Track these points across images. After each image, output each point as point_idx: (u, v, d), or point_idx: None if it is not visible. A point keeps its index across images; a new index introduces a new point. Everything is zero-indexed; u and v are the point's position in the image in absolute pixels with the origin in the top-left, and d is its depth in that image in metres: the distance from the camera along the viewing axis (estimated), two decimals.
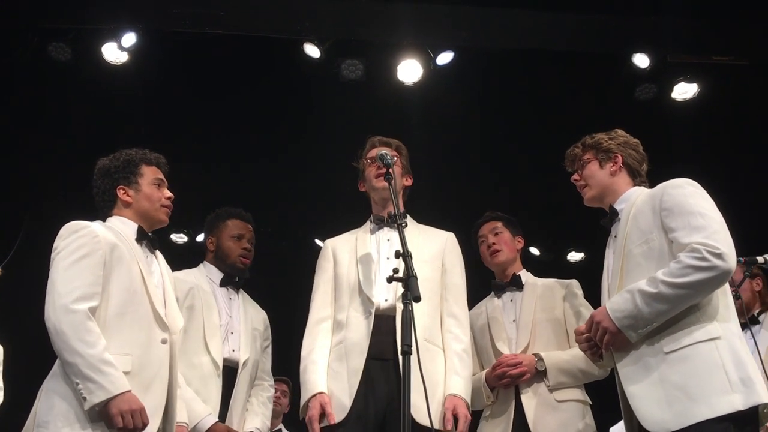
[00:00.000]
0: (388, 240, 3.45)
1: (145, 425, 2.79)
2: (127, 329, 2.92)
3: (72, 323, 2.77)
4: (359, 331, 3.23)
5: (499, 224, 3.94)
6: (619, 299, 2.80)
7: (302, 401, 3.22)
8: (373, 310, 3.25)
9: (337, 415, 3.11)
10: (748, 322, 3.99)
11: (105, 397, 2.72)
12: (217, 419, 3.55)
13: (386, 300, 3.27)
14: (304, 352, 3.32)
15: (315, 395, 3.15)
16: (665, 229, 2.80)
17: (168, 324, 3.04)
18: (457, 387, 3.20)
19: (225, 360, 3.69)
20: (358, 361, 3.18)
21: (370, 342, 3.20)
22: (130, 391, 2.77)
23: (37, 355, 3.23)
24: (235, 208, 4.07)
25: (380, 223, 3.51)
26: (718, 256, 2.63)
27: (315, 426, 3.09)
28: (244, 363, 3.75)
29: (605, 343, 2.82)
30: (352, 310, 3.30)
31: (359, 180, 3.63)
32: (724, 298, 2.77)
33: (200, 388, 3.55)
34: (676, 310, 2.69)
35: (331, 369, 3.24)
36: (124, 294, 2.94)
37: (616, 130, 3.23)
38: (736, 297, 3.82)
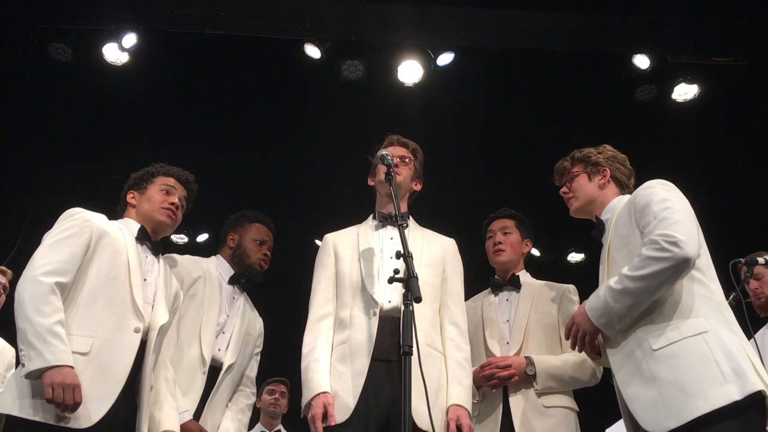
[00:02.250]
0: (392, 238, 3.43)
1: (77, 403, 2.78)
2: (98, 312, 2.97)
3: (33, 293, 2.84)
4: (364, 332, 3.21)
5: (511, 224, 3.94)
6: (593, 298, 2.85)
7: (304, 399, 3.18)
8: (377, 310, 3.23)
9: (341, 415, 3.08)
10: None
11: (41, 365, 2.75)
12: (192, 417, 3.50)
13: (390, 301, 3.25)
14: (305, 349, 3.27)
15: (318, 394, 3.11)
16: (639, 229, 2.85)
17: (145, 316, 3.09)
18: (461, 397, 3.19)
19: (211, 359, 3.64)
20: (363, 362, 3.15)
21: (375, 343, 3.18)
22: (71, 367, 2.78)
23: None
24: (261, 213, 4.09)
25: (384, 221, 3.48)
26: (674, 243, 2.66)
27: (318, 425, 3.05)
28: (229, 367, 3.71)
29: (587, 343, 2.86)
30: (356, 308, 3.27)
31: (369, 174, 3.61)
32: (702, 290, 2.76)
33: (184, 379, 3.51)
34: (645, 302, 2.72)
35: (334, 369, 3.20)
36: (102, 278, 3.01)
37: (605, 145, 3.28)
38: (735, 299, 3.82)
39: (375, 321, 3.21)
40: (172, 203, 3.33)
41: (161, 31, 5.62)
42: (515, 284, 3.83)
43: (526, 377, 3.54)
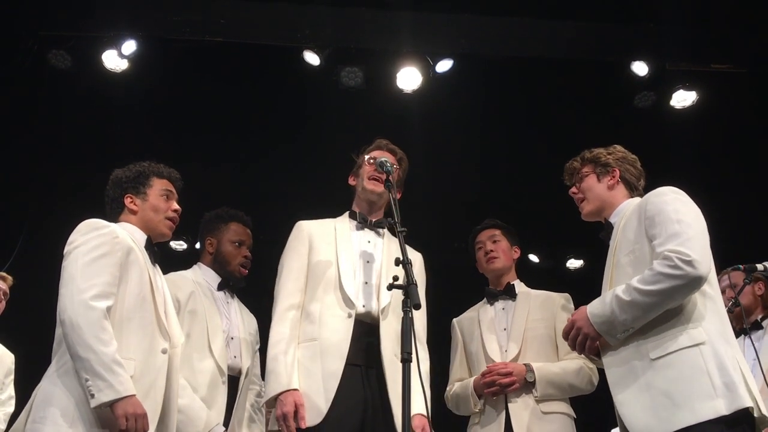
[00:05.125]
0: (369, 242, 3.43)
1: None
2: (134, 334, 2.93)
3: (89, 319, 2.78)
4: (337, 333, 3.19)
5: (498, 232, 3.96)
6: (597, 304, 2.84)
7: (271, 391, 3.12)
8: (353, 313, 3.22)
9: (312, 418, 3.06)
10: (747, 328, 3.99)
11: (113, 397, 2.73)
12: (224, 429, 3.51)
13: (363, 305, 3.25)
14: (274, 338, 3.20)
15: (289, 391, 3.08)
16: (648, 238, 2.84)
17: (170, 335, 3.05)
18: (422, 406, 3.15)
19: (228, 367, 3.63)
20: (337, 364, 3.13)
21: (349, 346, 3.17)
22: (136, 395, 2.78)
23: (40, 363, 3.21)
24: (235, 210, 3.98)
25: (363, 223, 3.48)
26: (689, 263, 2.66)
27: (291, 424, 3.02)
28: (246, 371, 3.70)
29: (588, 348, 2.86)
30: (328, 306, 3.24)
31: (351, 173, 3.60)
32: (705, 300, 2.78)
33: (205, 394, 3.49)
34: (651, 315, 2.72)
35: (302, 366, 3.15)
36: (134, 299, 2.96)
37: (615, 145, 3.26)
38: (736, 304, 3.83)
39: (351, 323, 3.21)
40: (175, 211, 3.24)
41: (161, 38, 5.63)
42: (510, 293, 3.86)
43: (525, 384, 3.56)
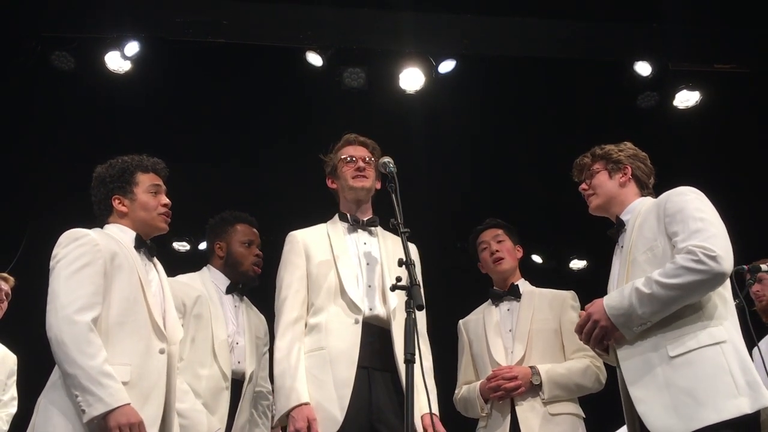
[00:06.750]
0: (365, 243, 3.41)
1: None
2: (127, 338, 2.89)
3: (73, 334, 2.75)
4: (346, 339, 3.17)
5: (501, 232, 3.94)
6: (616, 296, 2.83)
7: (282, 408, 3.10)
8: (360, 318, 3.20)
9: (328, 428, 3.04)
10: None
11: (104, 410, 2.70)
12: None
13: (371, 309, 3.24)
14: (280, 354, 3.18)
15: (300, 405, 3.06)
16: (668, 235, 2.83)
17: (166, 334, 3.02)
18: (432, 405, 3.15)
19: (232, 372, 3.60)
20: (348, 371, 3.11)
21: (360, 351, 3.16)
22: (129, 404, 2.75)
23: (42, 364, 3.21)
24: (238, 211, 3.97)
25: (356, 224, 3.45)
26: (713, 258, 2.66)
27: None
28: (250, 376, 3.68)
29: (601, 338, 2.84)
30: (334, 314, 3.22)
31: (328, 175, 3.57)
32: (723, 300, 2.79)
33: (209, 400, 3.48)
34: (670, 310, 2.72)
35: (312, 376, 3.13)
36: (124, 303, 2.92)
37: (626, 142, 3.24)
38: (738, 307, 3.82)
39: (358, 329, 3.18)
40: (165, 205, 3.17)
41: (163, 40, 5.63)
42: (515, 293, 3.84)
43: (532, 386, 3.55)
